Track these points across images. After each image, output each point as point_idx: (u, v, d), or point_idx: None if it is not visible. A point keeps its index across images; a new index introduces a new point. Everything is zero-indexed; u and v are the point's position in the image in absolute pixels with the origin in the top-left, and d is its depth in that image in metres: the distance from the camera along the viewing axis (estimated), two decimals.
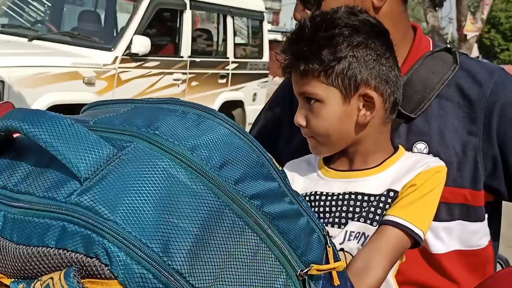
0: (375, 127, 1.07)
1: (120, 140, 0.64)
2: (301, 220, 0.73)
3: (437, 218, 1.14)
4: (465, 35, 13.38)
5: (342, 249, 1.03)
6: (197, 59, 6.50)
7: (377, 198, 1.04)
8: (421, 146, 1.15)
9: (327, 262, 0.77)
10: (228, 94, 7.04)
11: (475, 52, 17.03)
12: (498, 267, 1.63)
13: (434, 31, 13.78)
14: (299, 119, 1.07)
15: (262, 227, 0.66)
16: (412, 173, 1.04)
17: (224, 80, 6.93)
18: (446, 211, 1.15)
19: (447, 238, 1.16)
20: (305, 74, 1.03)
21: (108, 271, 0.56)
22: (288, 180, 0.74)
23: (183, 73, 6.17)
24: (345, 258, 1.02)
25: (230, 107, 7.08)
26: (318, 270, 0.72)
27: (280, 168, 0.74)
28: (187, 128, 0.67)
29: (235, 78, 7.09)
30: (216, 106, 6.74)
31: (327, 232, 0.80)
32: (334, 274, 0.77)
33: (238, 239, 0.64)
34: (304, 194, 1.10)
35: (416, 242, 1.02)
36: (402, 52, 1.20)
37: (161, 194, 0.60)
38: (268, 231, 0.67)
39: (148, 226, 0.58)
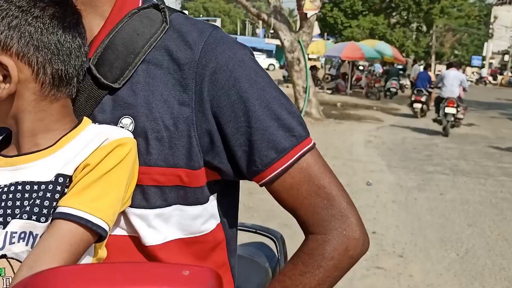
0: (33, 103, 0.87)
1: None
2: None
3: (148, 204, 0.97)
4: (306, 14, 13.74)
5: (4, 256, 0.83)
6: None
7: (44, 186, 0.85)
8: (126, 121, 0.97)
9: None
10: None
11: (316, 30, 17.61)
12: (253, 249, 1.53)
13: (277, 12, 14.04)
14: None
15: None
16: (86, 151, 0.87)
17: None
18: (159, 195, 0.98)
19: (164, 226, 1.00)
20: None
21: None
22: None
23: None
24: (11, 266, 0.83)
25: None
26: None
27: None
28: None
29: None
30: None
31: None
32: None
33: None
34: None
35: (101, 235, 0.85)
36: (103, 10, 1.01)
37: None
38: None
39: None
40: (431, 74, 17.84)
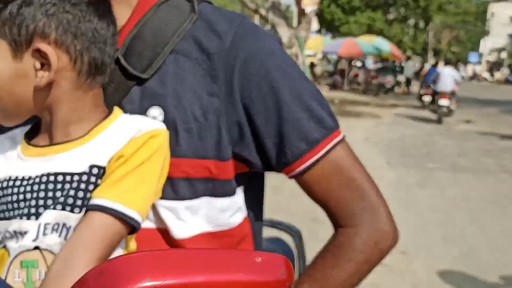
0: (69, 92, 0.86)
1: None
2: None
3: (177, 196, 0.95)
4: (304, 9, 13.71)
5: (37, 247, 0.81)
6: None
7: (78, 177, 0.84)
8: (155, 111, 0.95)
9: None
10: None
11: (314, 26, 17.61)
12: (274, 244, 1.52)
13: (275, 7, 14.01)
14: None
15: None
16: (120, 141, 0.85)
17: None
18: (188, 187, 0.96)
19: (192, 219, 0.98)
20: None
21: None
22: None
23: None
24: (44, 258, 0.81)
25: None
26: None
27: None
28: None
29: None
30: None
31: None
32: None
33: None
34: (3, 180, 0.88)
35: (134, 227, 0.83)
36: (130, 0, 0.99)
37: None
38: None
39: None
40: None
